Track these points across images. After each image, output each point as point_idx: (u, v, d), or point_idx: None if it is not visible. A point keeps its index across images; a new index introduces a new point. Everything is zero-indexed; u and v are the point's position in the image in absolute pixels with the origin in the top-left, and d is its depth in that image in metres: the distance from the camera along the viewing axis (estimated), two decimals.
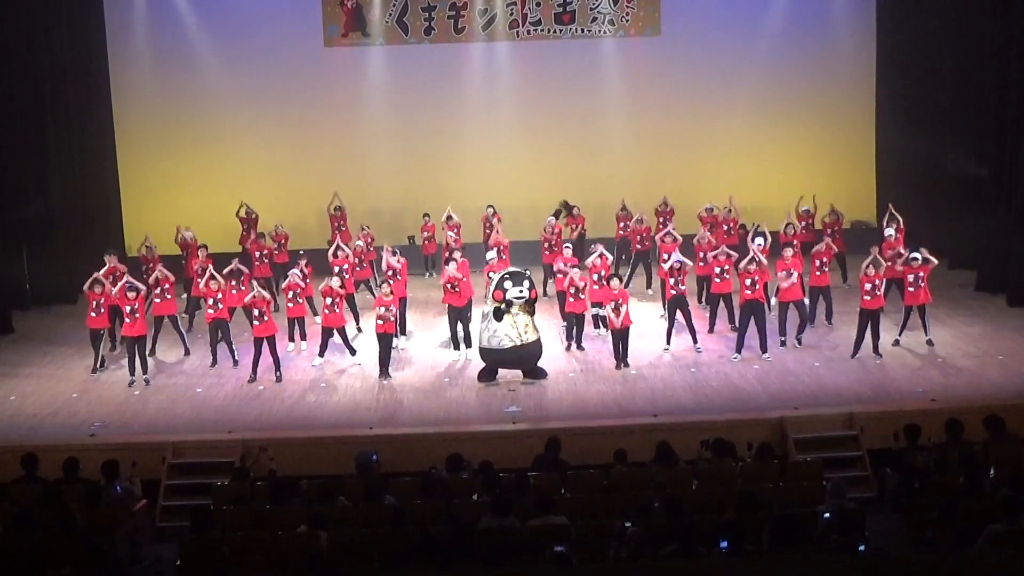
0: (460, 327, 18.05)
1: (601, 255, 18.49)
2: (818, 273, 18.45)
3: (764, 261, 17.82)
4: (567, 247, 19.13)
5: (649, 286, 21.12)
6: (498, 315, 16.59)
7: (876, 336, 17.10)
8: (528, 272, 17.21)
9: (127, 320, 17.08)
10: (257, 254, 20.88)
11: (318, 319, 18.36)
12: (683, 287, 17.85)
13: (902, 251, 18.30)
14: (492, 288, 16.90)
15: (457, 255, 18.59)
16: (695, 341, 17.89)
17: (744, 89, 24.60)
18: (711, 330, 18.62)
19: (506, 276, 16.87)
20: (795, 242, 19.27)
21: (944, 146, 22.45)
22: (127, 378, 17.12)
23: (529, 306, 16.72)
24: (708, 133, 24.76)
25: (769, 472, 12.61)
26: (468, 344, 17.91)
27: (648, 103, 24.81)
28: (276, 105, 24.52)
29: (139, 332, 17.10)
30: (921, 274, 17.34)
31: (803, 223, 21.10)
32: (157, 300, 18.30)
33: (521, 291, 16.59)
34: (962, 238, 21.96)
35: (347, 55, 24.68)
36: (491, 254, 19.07)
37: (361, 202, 24.03)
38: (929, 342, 17.55)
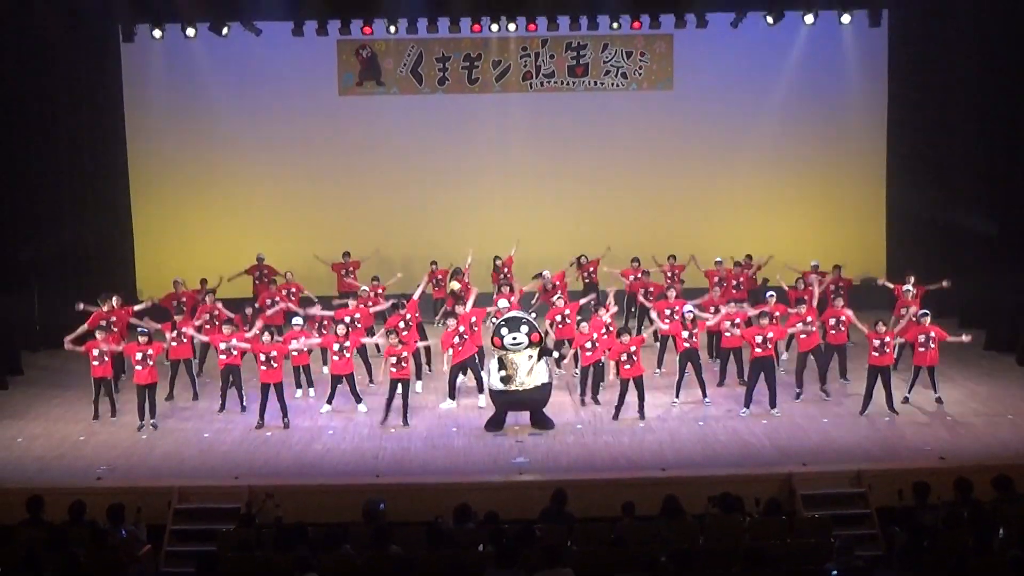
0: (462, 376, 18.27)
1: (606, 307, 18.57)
2: (833, 332, 18.39)
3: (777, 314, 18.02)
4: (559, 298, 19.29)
5: (656, 339, 21.11)
6: (500, 360, 16.76)
7: (888, 393, 17.07)
8: (527, 316, 17.25)
9: (137, 368, 17.10)
10: (268, 301, 20.89)
11: (326, 369, 18.41)
12: (696, 340, 17.89)
13: (915, 309, 18.38)
14: (491, 335, 17.03)
15: (459, 308, 18.63)
16: (704, 395, 17.90)
17: (756, 144, 24.72)
18: (721, 383, 18.64)
19: (503, 323, 16.91)
20: (805, 296, 19.31)
21: (954, 204, 22.49)
22: (135, 423, 17.13)
23: (533, 349, 16.67)
24: (719, 187, 24.85)
25: (777, 528, 12.56)
26: (481, 390, 17.95)
27: (659, 156, 24.92)
28: (290, 152, 24.68)
29: (150, 380, 17.13)
30: (932, 334, 17.31)
31: (809, 278, 21.06)
32: (174, 344, 18.36)
33: (516, 337, 16.56)
34: (972, 296, 21.94)
35: (361, 104, 24.85)
36: (502, 302, 19.11)
37: (372, 249, 24.11)
38: (939, 400, 17.52)
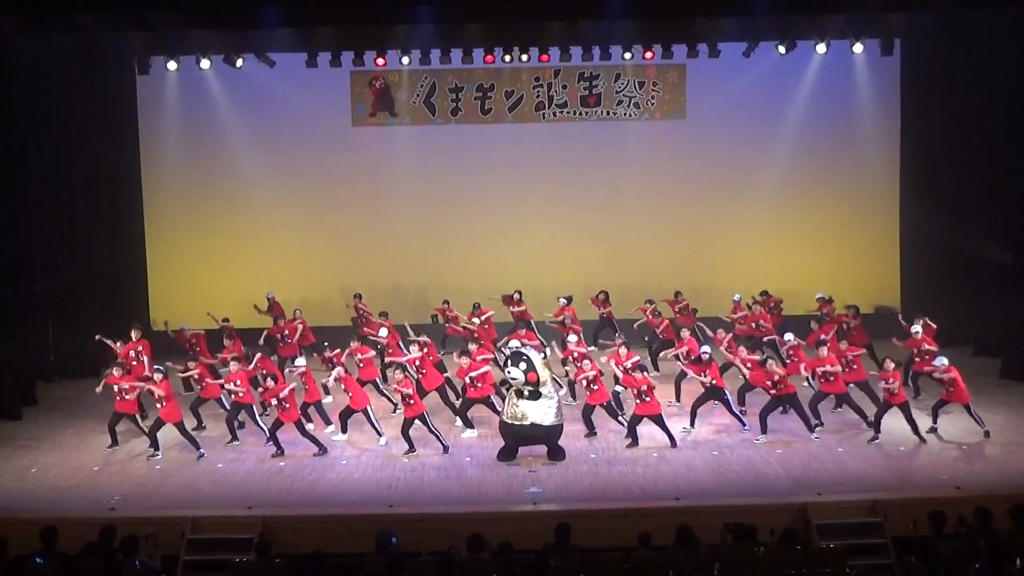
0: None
1: (626, 345, 18.52)
2: (845, 370, 18.30)
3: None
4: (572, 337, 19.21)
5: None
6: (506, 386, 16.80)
7: (911, 423, 16.97)
8: (530, 354, 16.76)
9: (158, 405, 17.17)
10: (278, 335, 20.91)
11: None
12: (709, 379, 17.83)
13: (928, 348, 18.34)
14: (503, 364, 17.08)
15: (472, 346, 18.64)
16: (744, 424, 17.79)
17: (768, 174, 24.73)
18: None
19: (509, 356, 16.90)
20: (822, 335, 19.15)
21: (968, 232, 22.46)
22: (148, 453, 17.16)
23: (528, 388, 16.42)
24: (732, 217, 24.85)
25: (792, 558, 12.48)
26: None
27: (672, 186, 24.95)
28: (303, 183, 24.80)
29: (172, 417, 17.18)
30: (952, 375, 17.24)
31: (823, 311, 20.98)
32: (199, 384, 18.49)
33: (511, 372, 16.45)
34: (987, 325, 21.89)
35: (374, 134, 24.95)
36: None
37: (385, 280, 24.24)
38: (933, 430, 17.35)
